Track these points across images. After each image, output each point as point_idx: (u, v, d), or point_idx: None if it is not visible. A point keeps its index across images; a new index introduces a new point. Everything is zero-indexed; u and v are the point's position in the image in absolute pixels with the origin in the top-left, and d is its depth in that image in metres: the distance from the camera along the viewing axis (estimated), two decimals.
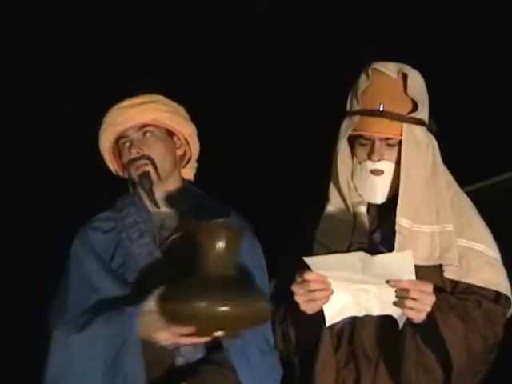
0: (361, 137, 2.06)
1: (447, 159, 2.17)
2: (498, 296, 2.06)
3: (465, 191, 2.21)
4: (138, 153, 2.16)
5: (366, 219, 2.10)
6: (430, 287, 1.85)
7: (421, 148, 2.04)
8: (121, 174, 2.30)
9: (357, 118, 2.07)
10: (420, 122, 2.05)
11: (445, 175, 2.12)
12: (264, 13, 5.36)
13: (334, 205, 2.14)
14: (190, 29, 5.31)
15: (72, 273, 2.14)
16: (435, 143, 2.10)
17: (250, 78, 5.31)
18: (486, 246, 2.09)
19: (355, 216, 2.11)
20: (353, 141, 2.11)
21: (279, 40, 5.29)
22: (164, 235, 2.19)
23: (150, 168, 2.16)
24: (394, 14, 5.31)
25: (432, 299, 1.85)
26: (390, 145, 2.04)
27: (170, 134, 2.23)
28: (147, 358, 1.94)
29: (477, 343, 1.97)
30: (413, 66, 2.11)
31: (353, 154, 2.12)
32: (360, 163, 2.08)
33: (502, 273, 2.09)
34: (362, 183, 2.08)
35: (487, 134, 4.98)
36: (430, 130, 2.10)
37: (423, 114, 2.07)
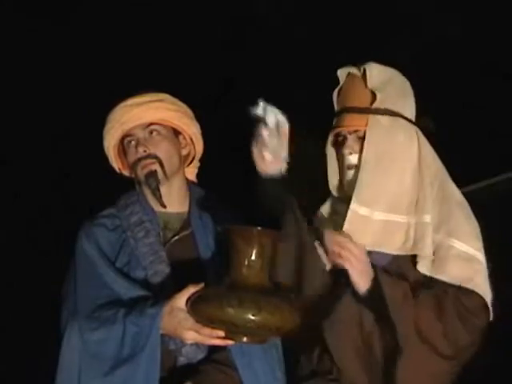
0: (338, 135, 2.16)
1: (447, 159, 2.18)
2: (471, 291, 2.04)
3: (464, 191, 2.22)
4: (145, 151, 2.15)
5: None
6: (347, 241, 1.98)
7: (392, 137, 2.08)
8: (125, 173, 2.29)
9: (335, 118, 2.18)
10: (387, 112, 2.10)
11: (432, 169, 2.14)
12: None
13: (332, 197, 2.24)
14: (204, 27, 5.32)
15: (79, 269, 2.13)
16: (421, 137, 2.13)
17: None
18: (459, 241, 2.07)
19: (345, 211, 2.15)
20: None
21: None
22: (168, 235, 2.18)
23: (156, 167, 2.14)
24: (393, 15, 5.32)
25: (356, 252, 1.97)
26: (360, 137, 2.11)
27: (176, 133, 2.22)
28: None
29: (429, 322, 1.97)
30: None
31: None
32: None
33: (474, 269, 2.06)
34: (344, 178, 2.15)
35: (487, 133, 4.98)
36: (418, 125, 2.14)
37: (390, 104, 2.11)
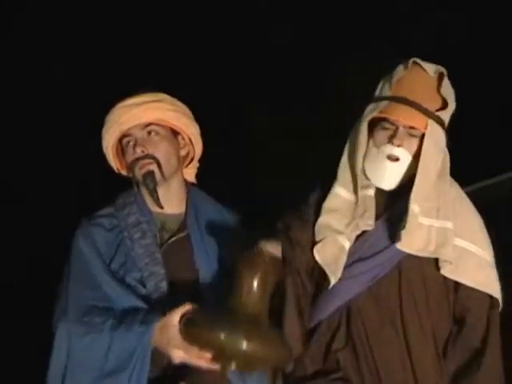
0: (385, 120, 2.09)
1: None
2: (491, 300, 2.10)
3: (465, 191, 2.23)
4: (143, 152, 2.13)
5: (373, 202, 2.12)
6: None
7: (439, 147, 2.09)
8: (123, 172, 2.28)
9: (385, 102, 2.10)
10: (442, 123, 2.10)
11: (449, 179, 2.15)
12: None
13: (342, 185, 2.17)
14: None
15: (73, 268, 2.12)
16: (446, 151, 2.13)
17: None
18: (480, 248, 2.12)
19: (363, 198, 2.13)
20: (372, 125, 2.13)
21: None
22: (164, 237, 2.16)
23: (154, 167, 2.13)
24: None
25: None
26: (412, 135, 2.08)
27: (175, 133, 2.21)
28: None
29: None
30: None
31: (369, 137, 2.14)
32: (377, 147, 2.11)
33: (494, 274, 2.13)
34: (374, 166, 2.10)
35: (487, 133, 4.98)
36: None
37: (446, 116, 2.12)
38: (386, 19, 5.24)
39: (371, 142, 2.12)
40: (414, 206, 2.04)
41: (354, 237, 2.10)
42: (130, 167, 2.16)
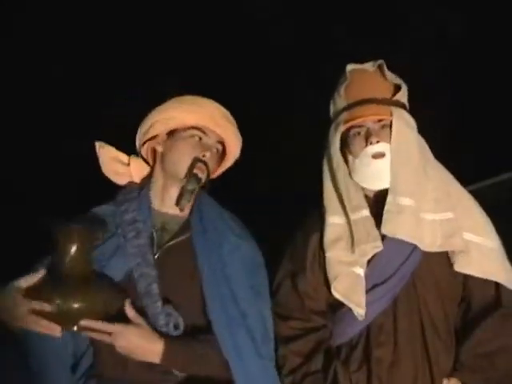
0: (353, 128, 2.09)
1: (447, 159, 2.18)
2: (497, 286, 2.07)
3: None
4: (207, 158, 2.12)
5: (372, 222, 2.10)
6: None
7: (412, 129, 2.10)
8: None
9: (344, 114, 2.11)
10: (403, 106, 2.12)
11: (435, 162, 2.15)
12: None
13: (334, 213, 2.15)
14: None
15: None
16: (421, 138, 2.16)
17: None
18: (484, 237, 2.10)
19: (362, 220, 2.11)
20: (343, 141, 2.14)
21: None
22: (165, 238, 2.13)
23: (203, 176, 2.12)
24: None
25: None
26: (383, 126, 2.09)
27: (222, 156, 2.23)
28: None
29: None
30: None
31: (344, 154, 2.15)
32: (357, 157, 2.10)
33: (500, 260, 2.08)
34: (365, 172, 2.08)
35: (487, 133, 4.98)
36: None
37: (404, 97, 2.12)
38: (385, 19, 5.24)
39: (349, 157, 2.13)
40: (399, 199, 2.03)
41: (365, 262, 2.07)
42: (192, 161, 2.13)
